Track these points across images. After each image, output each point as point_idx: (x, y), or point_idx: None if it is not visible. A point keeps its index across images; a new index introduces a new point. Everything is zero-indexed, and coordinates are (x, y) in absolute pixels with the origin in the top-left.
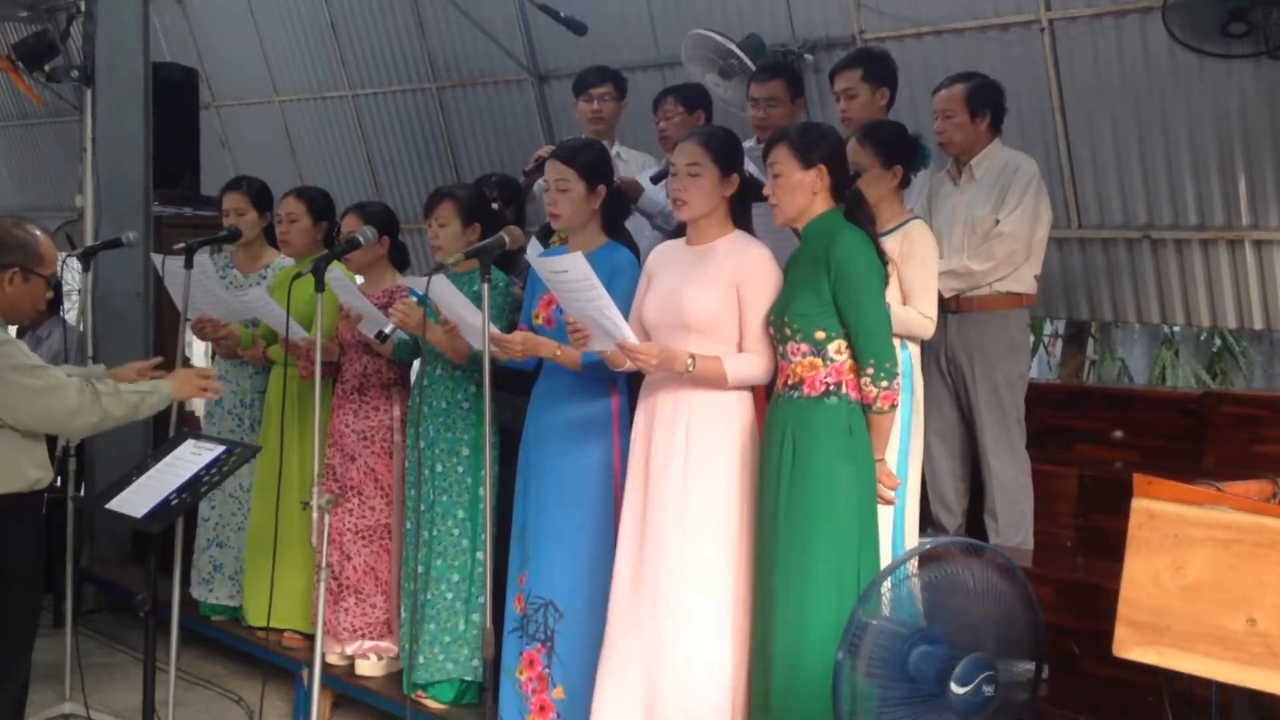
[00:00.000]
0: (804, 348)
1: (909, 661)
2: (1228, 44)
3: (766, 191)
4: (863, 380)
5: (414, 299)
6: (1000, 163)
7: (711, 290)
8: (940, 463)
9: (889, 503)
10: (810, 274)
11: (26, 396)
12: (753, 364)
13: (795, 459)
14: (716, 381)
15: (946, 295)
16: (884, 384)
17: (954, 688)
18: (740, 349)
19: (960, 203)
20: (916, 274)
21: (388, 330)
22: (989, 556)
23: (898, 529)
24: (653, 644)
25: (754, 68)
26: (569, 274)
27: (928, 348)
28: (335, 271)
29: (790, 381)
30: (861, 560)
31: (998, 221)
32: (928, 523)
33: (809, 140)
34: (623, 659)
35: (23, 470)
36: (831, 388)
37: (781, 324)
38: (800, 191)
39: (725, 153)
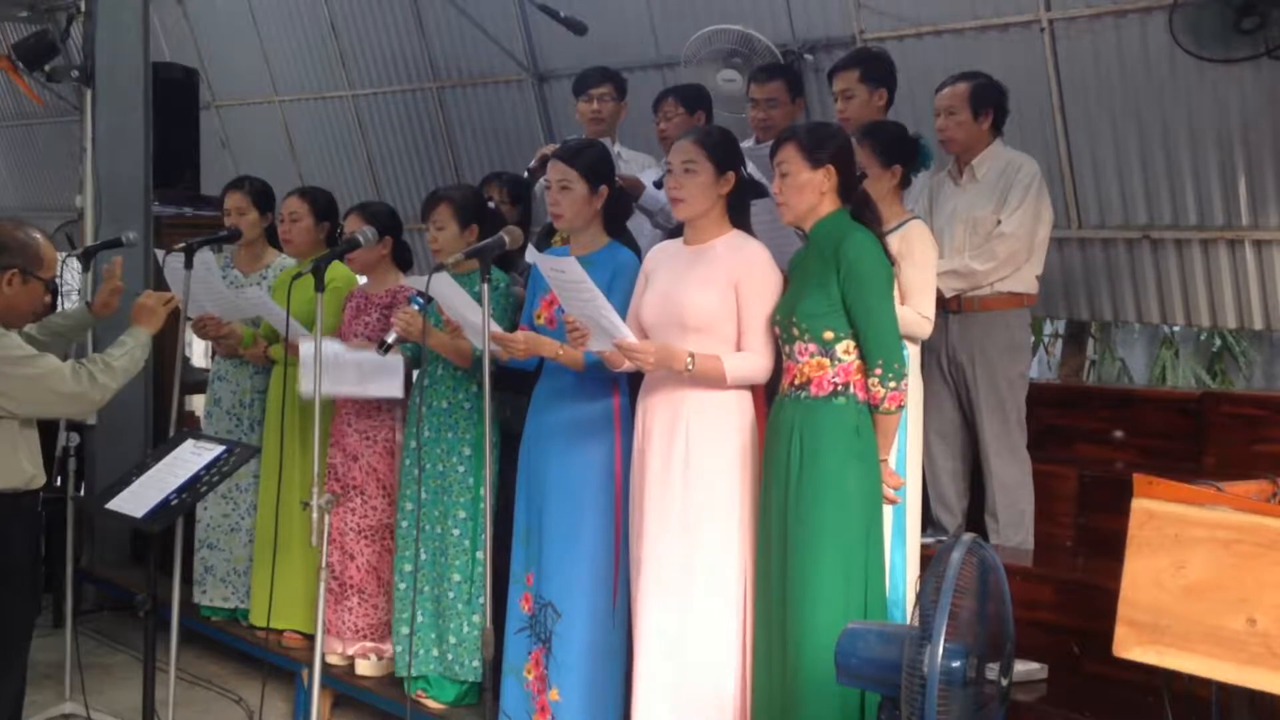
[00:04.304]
0: (812, 347)
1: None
2: (1238, 41)
3: (774, 189)
4: (871, 380)
5: (414, 307)
6: (1002, 163)
7: (710, 289)
8: (940, 463)
9: (892, 502)
10: (819, 274)
11: (25, 385)
12: (752, 363)
13: (803, 459)
14: (716, 380)
15: (948, 295)
16: (892, 384)
17: (1002, 680)
18: (739, 348)
19: (961, 203)
20: (915, 274)
21: (389, 339)
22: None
23: (897, 530)
24: (665, 644)
25: (776, 50)
26: (565, 274)
27: (929, 348)
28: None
29: (797, 381)
30: (868, 560)
31: (999, 221)
32: (928, 523)
33: (817, 140)
34: (649, 661)
35: (20, 465)
36: (839, 388)
37: (789, 323)
38: (808, 191)
39: (721, 150)
